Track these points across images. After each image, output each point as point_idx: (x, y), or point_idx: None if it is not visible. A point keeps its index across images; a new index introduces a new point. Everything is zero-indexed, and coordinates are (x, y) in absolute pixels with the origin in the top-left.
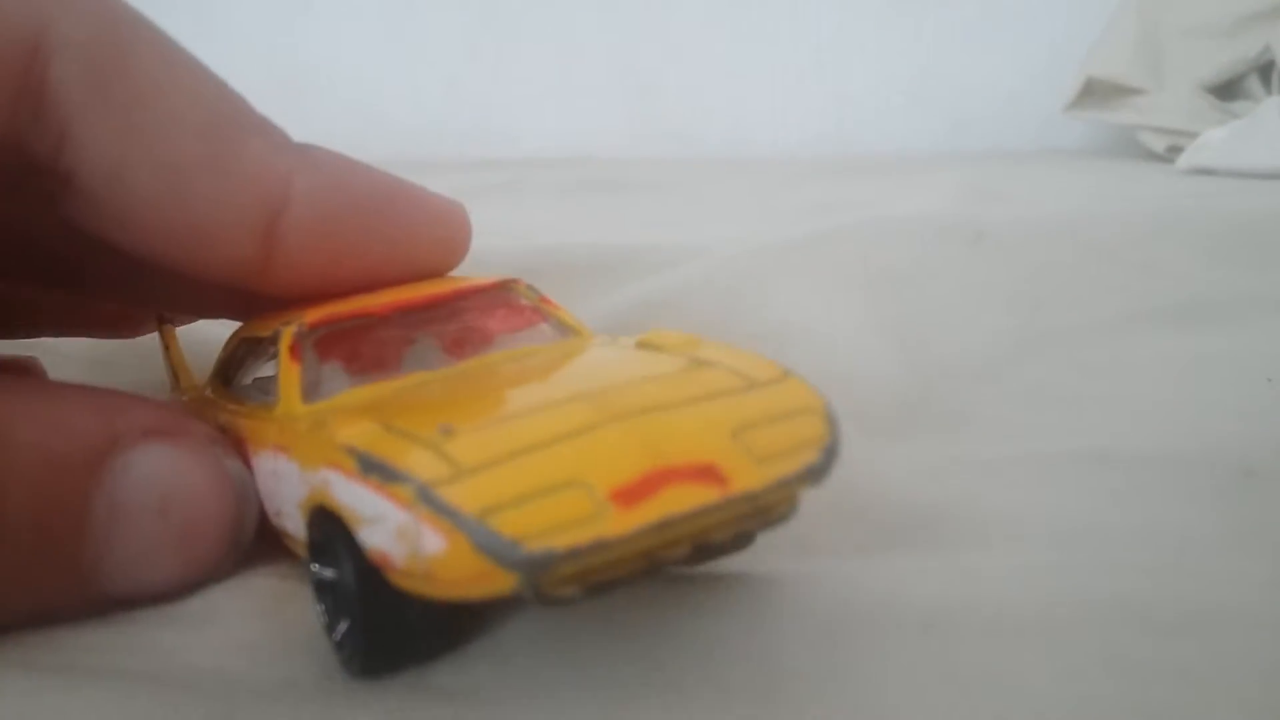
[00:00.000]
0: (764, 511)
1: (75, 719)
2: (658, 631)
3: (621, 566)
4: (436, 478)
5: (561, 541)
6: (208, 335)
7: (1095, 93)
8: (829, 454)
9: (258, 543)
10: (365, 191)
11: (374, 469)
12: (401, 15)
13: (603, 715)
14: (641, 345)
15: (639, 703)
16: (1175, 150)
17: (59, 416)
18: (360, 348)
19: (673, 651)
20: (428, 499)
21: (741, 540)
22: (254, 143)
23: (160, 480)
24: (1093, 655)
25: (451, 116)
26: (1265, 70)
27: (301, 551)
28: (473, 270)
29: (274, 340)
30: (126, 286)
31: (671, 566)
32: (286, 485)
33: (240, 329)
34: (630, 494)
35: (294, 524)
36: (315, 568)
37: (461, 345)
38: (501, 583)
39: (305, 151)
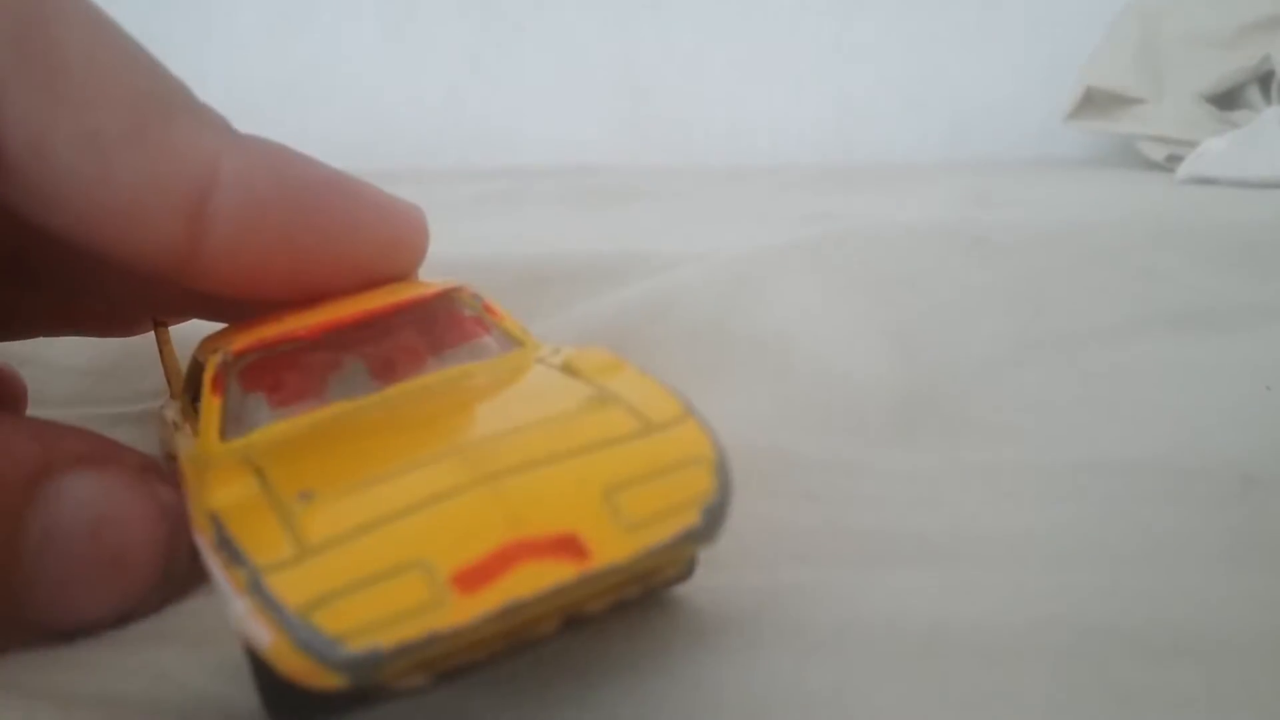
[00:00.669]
0: (643, 579)
1: None
2: (645, 651)
3: (478, 649)
4: (273, 561)
5: (389, 637)
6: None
7: (1095, 102)
8: (711, 515)
9: None
10: (300, 179)
11: (224, 545)
12: (402, 24)
13: None
14: (565, 367)
15: None
16: (1175, 159)
17: None
18: (285, 375)
19: (662, 673)
20: (256, 589)
21: (643, 598)
22: (183, 120)
23: (92, 505)
24: (1092, 682)
25: (452, 124)
26: (1265, 80)
27: None
28: (469, 276)
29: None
30: (81, 282)
31: (544, 641)
32: None
33: (201, 342)
34: (475, 575)
35: None
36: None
37: (391, 368)
38: (331, 680)
39: (239, 135)
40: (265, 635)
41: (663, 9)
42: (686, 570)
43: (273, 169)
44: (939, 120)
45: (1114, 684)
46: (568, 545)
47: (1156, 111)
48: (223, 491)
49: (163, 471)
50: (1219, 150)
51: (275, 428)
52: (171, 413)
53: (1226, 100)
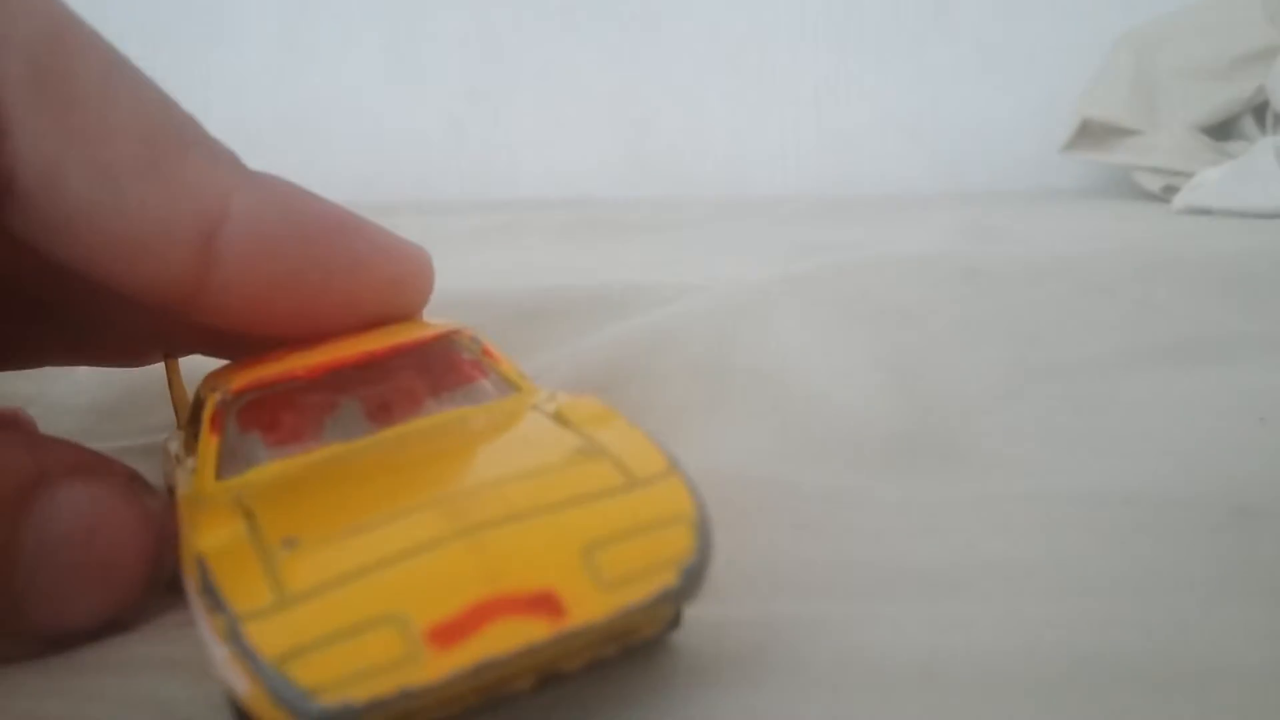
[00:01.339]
0: (620, 638)
1: None
2: (643, 686)
3: (452, 704)
4: (251, 610)
5: (361, 693)
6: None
7: (1091, 133)
8: (689, 575)
9: None
10: (308, 216)
11: (207, 591)
12: (403, 57)
13: None
14: (557, 416)
15: None
16: (1171, 190)
17: None
18: (282, 415)
19: (661, 708)
20: (233, 638)
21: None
22: (194, 154)
23: (84, 513)
24: (1089, 712)
25: (452, 158)
26: (1260, 111)
27: None
28: (471, 310)
29: (202, 406)
30: (89, 313)
31: (521, 697)
32: None
33: (205, 378)
34: (450, 631)
35: None
36: None
37: (388, 410)
38: None
39: (249, 171)
40: (242, 684)
41: (662, 42)
42: (667, 627)
43: (282, 205)
44: (936, 152)
45: (1110, 714)
46: (544, 602)
47: (1152, 142)
48: (210, 535)
49: (148, 482)
50: (1214, 181)
51: (270, 468)
52: (175, 445)
53: (1221, 131)
